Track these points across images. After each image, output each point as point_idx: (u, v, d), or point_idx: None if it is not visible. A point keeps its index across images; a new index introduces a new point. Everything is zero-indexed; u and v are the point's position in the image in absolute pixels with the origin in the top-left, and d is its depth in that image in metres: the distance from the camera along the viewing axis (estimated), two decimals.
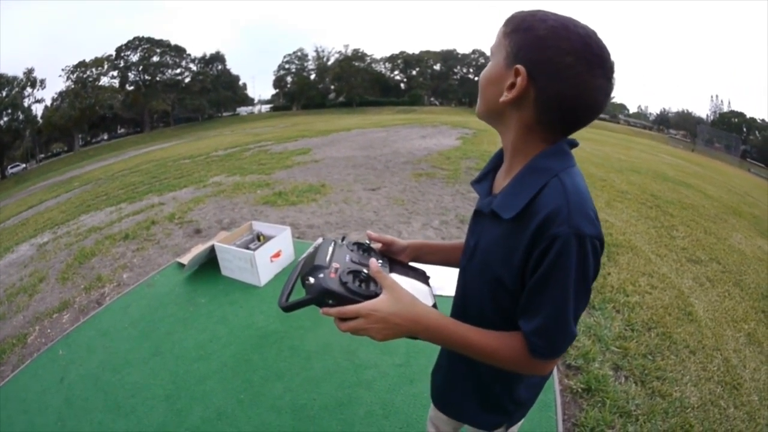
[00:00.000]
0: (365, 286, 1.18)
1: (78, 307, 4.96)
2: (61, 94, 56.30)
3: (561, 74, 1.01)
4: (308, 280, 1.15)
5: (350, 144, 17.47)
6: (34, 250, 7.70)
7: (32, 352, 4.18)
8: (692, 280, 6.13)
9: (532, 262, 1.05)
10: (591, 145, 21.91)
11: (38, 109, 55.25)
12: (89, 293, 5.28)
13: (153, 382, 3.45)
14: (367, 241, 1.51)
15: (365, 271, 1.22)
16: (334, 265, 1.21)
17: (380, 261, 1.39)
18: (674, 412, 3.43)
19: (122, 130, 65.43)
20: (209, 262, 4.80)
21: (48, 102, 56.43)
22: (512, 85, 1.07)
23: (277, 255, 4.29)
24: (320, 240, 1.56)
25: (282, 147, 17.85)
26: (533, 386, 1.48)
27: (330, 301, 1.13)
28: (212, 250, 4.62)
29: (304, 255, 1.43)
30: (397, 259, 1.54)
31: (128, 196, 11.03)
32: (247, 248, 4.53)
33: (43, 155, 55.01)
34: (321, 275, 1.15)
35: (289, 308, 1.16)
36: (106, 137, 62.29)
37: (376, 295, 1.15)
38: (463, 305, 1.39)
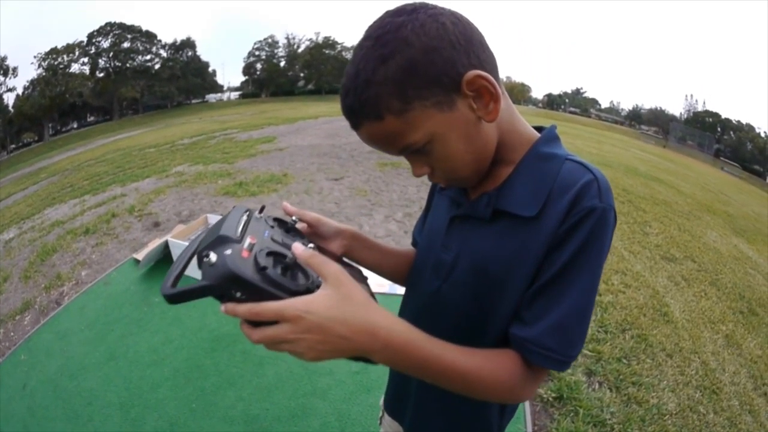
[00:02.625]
0: (291, 277, 0.82)
1: (39, 308, 4.81)
2: (32, 83, 55.29)
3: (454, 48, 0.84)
4: (207, 256, 0.75)
5: (316, 132, 17.32)
6: (0, 246, 7.50)
7: None
8: (667, 278, 6.05)
9: (557, 241, 0.88)
10: (562, 138, 21.90)
11: (10, 99, 54.48)
12: (49, 293, 5.12)
13: (108, 389, 3.33)
14: (292, 218, 1.10)
15: (291, 255, 0.84)
16: (249, 239, 0.83)
17: (311, 245, 0.99)
18: (651, 420, 3.28)
19: (92, 119, 64.09)
20: (165, 257, 4.70)
21: (20, 91, 55.65)
22: (479, 99, 0.87)
23: None
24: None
25: (247, 135, 17.59)
26: (512, 411, 1.24)
27: (238, 294, 0.74)
28: (167, 245, 4.47)
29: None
30: (325, 249, 1.14)
31: (92, 187, 10.75)
32: None
33: (14, 146, 53.60)
34: (228, 251, 0.76)
35: (176, 298, 0.76)
36: (75, 126, 61.17)
37: (309, 291, 0.79)
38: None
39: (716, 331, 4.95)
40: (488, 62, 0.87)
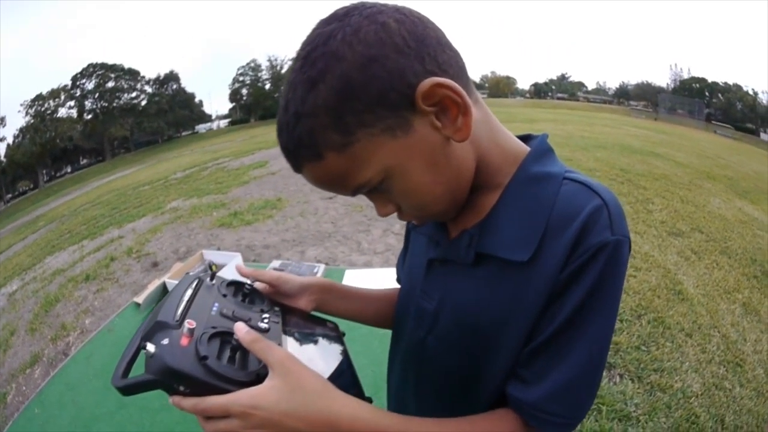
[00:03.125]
0: (241, 363, 0.73)
1: (47, 360, 4.79)
2: (22, 130, 55.50)
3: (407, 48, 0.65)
4: (146, 348, 0.67)
5: None
6: (5, 300, 7.47)
7: (12, 413, 3.98)
8: (677, 254, 5.96)
9: (559, 288, 0.70)
10: (552, 125, 22.17)
11: (1, 149, 54.73)
12: (56, 344, 5.10)
13: None
14: (249, 282, 0.97)
15: None
16: (188, 324, 0.71)
17: (266, 315, 0.88)
18: (677, 405, 3.20)
19: (85, 161, 64.20)
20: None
21: (10, 140, 55.86)
22: (443, 113, 0.68)
23: None
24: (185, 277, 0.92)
25: (239, 162, 17.59)
26: None
27: (181, 388, 0.67)
28: (165, 286, 4.30)
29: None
30: (293, 308, 1.02)
31: (90, 231, 10.73)
32: None
33: (10, 195, 53.80)
34: (165, 341, 0.68)
35: (127, 390, 0.69)
36: (69, 170, 61.27)
37: (260, 378, 0.69)
38: (407, 394, 1.01)
39: (733, 300, 4.86)
40: (451, 65, 0.68)
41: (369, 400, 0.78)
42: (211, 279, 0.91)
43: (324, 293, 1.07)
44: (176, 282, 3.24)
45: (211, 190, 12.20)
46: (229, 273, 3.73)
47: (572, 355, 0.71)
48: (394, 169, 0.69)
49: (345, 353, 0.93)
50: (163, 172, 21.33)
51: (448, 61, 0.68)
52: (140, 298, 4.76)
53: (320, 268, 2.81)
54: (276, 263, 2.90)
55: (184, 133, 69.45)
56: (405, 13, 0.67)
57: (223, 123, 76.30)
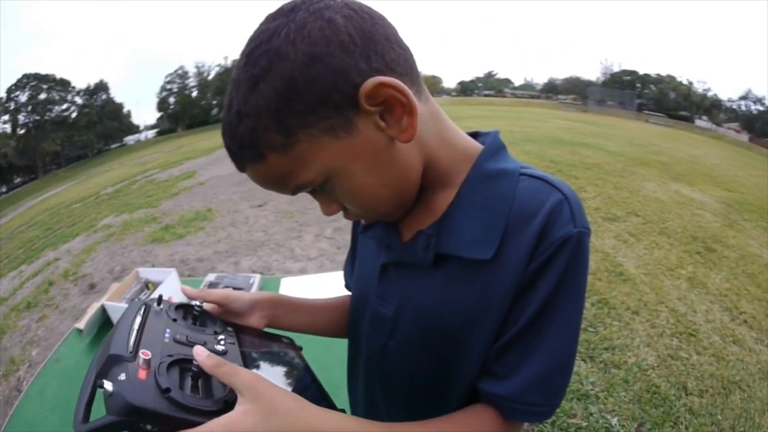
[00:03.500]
0: (205, 390, 0.67)
1: (3, 399, 4.58)
2: None
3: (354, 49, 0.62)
4: (104, 386, 0.60)
5: None
6: None
7: None
8: (614, 238, 6.20)
9: (526, 283, 0.70)
10: (479, 122, 22.54)
11: None
12: (8, 380, 4.89)
13: None
14: (198, 303, 0.91)
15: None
16: (142, 354, 0.64)
17: (221, 337, 0.82)
18: (635, 378, 3.31)
19: (18, 180, 62.39)
20: (106, 322, 4.40)
21: None
22: (389, 113, 0.65)
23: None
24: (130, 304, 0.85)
25: (168, 173, 17.20)
26: None
27: (148, 426, 0.60)
28: (104, 310, 4.19)
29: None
30: (245, 326, 0.96)
31: (27, 255, 10.28)
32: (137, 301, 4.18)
33: None
34: (122, 376, 0.61)
35: None
36: (5, 190, 59.59)
37: (228, 404, 0.64)
38: (376, 401, 0.97)
39: (677, 276, 5.06)
40: (399, 63, 0.66)
41: (342, 411, 0.74)
42: (158, 304, 0.84)
43: (274, 308, 1.02)
44: (115, 304, 3.08)
45: (142, 204, 11.92)
46: (166, 290, 3.62)
47: (544, 347, 0.71)
48: (336, 170, 0.67)
49: (306, 367, 0.90)
50: (93, 187, 20.78)
51: (396, 59, 0.66)
52: (81, 324, 4.58)
53: (256, 279, 2.74)
54: (212, 276, 2.81)
55: (113, 146, 66.88)
56: (354, 8, 0.64)
57: (151, 134, 73.81)
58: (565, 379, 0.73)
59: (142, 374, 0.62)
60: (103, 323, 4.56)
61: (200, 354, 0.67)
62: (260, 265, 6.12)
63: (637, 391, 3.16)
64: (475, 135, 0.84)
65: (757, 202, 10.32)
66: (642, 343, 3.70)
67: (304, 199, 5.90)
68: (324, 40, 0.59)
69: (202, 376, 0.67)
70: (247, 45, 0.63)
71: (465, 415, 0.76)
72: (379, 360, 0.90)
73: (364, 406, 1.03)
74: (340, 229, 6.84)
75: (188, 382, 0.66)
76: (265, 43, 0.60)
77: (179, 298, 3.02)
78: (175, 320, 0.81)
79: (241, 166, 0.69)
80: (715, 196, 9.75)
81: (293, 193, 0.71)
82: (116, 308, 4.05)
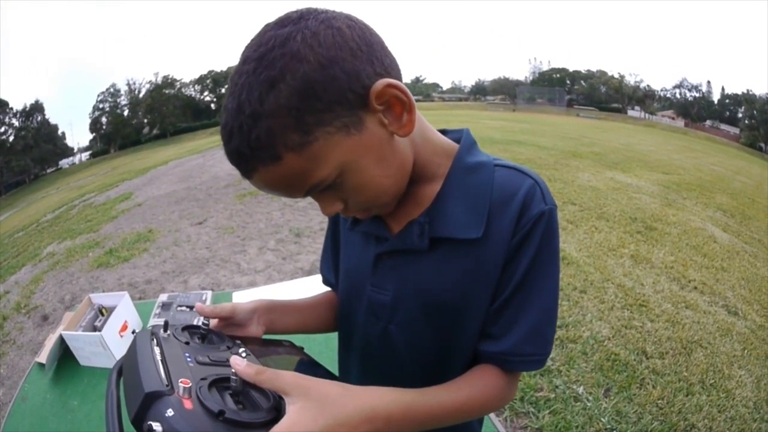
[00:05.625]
0: (250, 404, 0.67)
1: None
2: None
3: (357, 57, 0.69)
4: (153, 429, 0.56)
5: (169, 178, 16.72)
6: None
7: None
8: None
9: (511, 254, 0.83)
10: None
11: None
12: None
13: None
14: (204, 321, 0.91)
15: (234, 374, 0.68)
16: (182, 383, 0.62)
17: (241, 349, 0.84)
18: (593, 350, 3.45)
19: None
20: (65, 352, 4.24)
21: None
22: (389, 111, 0.73)
23: (125, 327, 3.87)
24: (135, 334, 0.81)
25: (105, 196, 16.59)
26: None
27: None
28: (63, 340, 4.08)
29: (118, 362, 0.78)
30: (246, 337, 0.96)
31: None
32: (94, 328, 4.10)
33: None
34: (169, 412, 0.58)
35: None
36: None
37: (277, 410, 0.66)
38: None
39: (620, 255, 5.28)
40: (393, 68, 0.74)
41: None
42: (165, 330, 0.83)
43: (269, 313, 1.04)
44: (73, 333, 3.03)
45: (83, 229, 11.50)
46: (121, 314, 3.59)
47: (533, 304, 0.83)
48: (348, 166, 0.72)
49: (317, 364, 0.95)
50: (33, 215, 19.91)
51: (391, 64, 0.74)
52: (42, 357, 4.46)
53: (208, 295, 2.73)
54: (164, 297, 2.78)
55: (49, 170, 63.44)
56: (354, 20, 0.71)
57: (85, 156, 70.68)
58: (552, 328, 0.86)
59: (188, 404, 0.60)
60: (63, 354, 4.48)
61: (239, 364, 0.68)
62: (209, 281, 6.06)
63: (597, 361, 3.30)
64: (443, 132, 0.95)
65: (696, 181, 10.92)
66: (594, 318, 3.85)
67: (242, 213, 5.90)
68: (337, 46, 0.65)
69: (242, 392, 0.67)
70: (253, 51, 0.66)
71: (473, 375, 0.87)
72: (380, 346, 0.96)
73: None
74: (282, 240, 6.86)
75: (229, 400, 0.65)
76: (279, 48, 0.64)
77: (134, 320, 3.02)
78: (187, 343, 0.81)
79: (250, 170, 0.70)
80: (652, 180, 10.26)
81: (306, 194, 0.75)
82: (75, 337, 3.97)
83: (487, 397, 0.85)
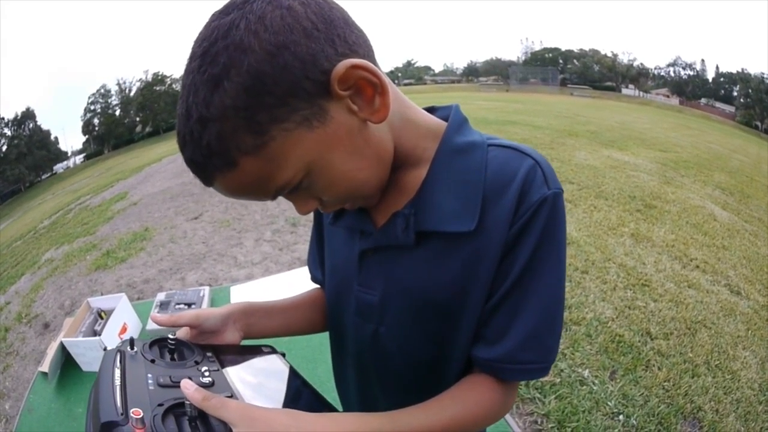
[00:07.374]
0: (207, 429, 0.64)
1: None
2: None
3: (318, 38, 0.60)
4: None
5: (164, 175, 16.70)
6: None
7: None
8: None
9: (508, 247, 0.72)
10: None
11: None
12: None
13: None
14: (170, 335, 0.85)
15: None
16: (133, 414, 0.59)
17: (204, 368, 0.76)
18: (597, 332, 3.42)
19: None
20: (68, 360, 4.27)
21: None
22: (358, 95, 0.64)
23: (124, 329, 3.86)
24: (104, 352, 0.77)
25: (100, 198, 16.59)
26: None
27: None
28: (64, 347, 4.09)
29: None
30: (221, 345, 0.92)
31: None
32: (94, 332, 4.09)
33: None
34: None
35: None
36: None
37: None
38: (373, 392, 0.96)
39: (620, 234, 5.26)
40: (360, 45, 0.64)
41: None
42: (131, 347, 0.78)
43: (247, 317, 0.98)
44: (73, 340, 3.02)
45: (80, 233, 11.50)
46: (119, 316, 3.58)
47: (531, 305, 0.72)
48: (315, 164, 0.64)
49: (293, 373, 0.88)
50: (30, 222, 19.95)
51: (357, 41, 0.64)
52: (45, 367, 4.48)
53: (206, 291, 2.71)
54: (161, 296, 2.75)
55: (44, 176, 63.83)
56: None
57: (79, 159, 70.57)
58: (555, 334, 0.75)
59: None
60: (65, 361, 4.52)
61: (188, 388, 0.64)
62: (206, 277, 6.06)
63: (601, 343, 3.28)
64: (431, 110, 0.84)
65: (693, 159, 10.88)
66: (597, 299, 3.83)
67: (237, 206, 5.81)
68: (287, 28, 0.56)
69: (198, 416, 0.64)
70: (198, 45, 0.59)
71: (461, 388, 0.77)
72: (372, 348, 0.89)
73: (357, 398, 1.02)
74: (278, 230, 6.84)
75: (186, 426, 0.63)
76: (222, 39, 0.56)
77: (133, 321, 3.00)
78: (153, 361, 0.77)
79: (208, 178, 0.65)
80: (649, 158, 10.23)
81: (274, 197, 0.68)
82: (75, 344, 3.96)
83: (477, 414, 0.76)
